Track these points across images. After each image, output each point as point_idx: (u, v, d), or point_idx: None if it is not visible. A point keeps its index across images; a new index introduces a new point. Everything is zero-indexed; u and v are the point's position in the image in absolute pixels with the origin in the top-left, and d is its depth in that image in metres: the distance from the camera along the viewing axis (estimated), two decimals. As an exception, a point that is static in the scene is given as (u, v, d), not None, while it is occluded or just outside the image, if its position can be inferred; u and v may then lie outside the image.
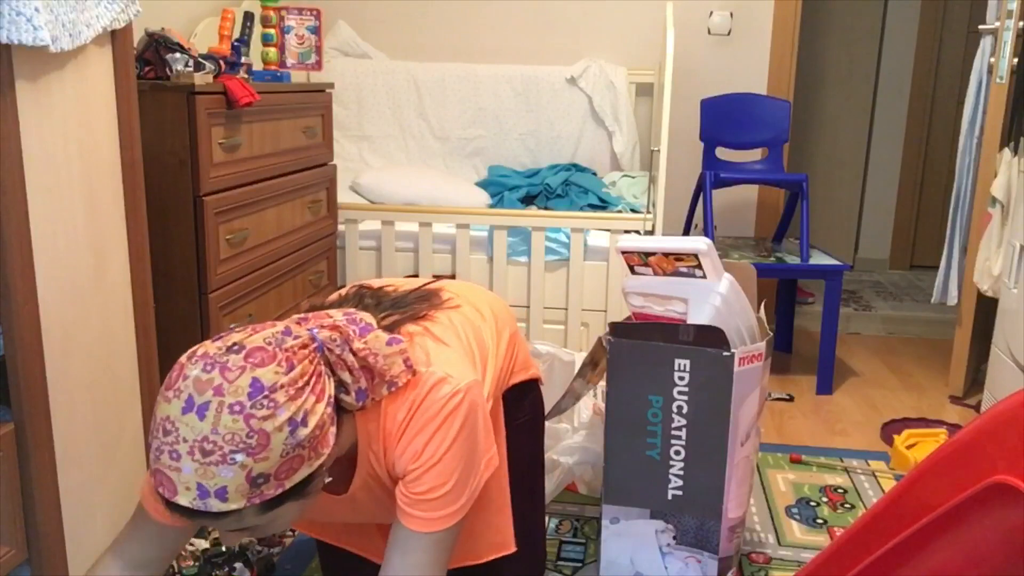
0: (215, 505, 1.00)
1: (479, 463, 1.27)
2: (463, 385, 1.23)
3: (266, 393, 1.01)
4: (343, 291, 1.37)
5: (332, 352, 1.12)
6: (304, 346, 1.08)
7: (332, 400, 1.10)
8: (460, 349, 1.35)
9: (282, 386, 1.03)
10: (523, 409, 1.60)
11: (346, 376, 1.13)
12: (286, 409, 1.02)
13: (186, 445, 0.99)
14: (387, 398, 1.20)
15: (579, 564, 1.84)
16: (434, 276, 2.88)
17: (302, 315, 1.18)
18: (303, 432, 1.04)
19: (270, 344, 1.05)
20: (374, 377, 1.16)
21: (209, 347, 1.06)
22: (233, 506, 1.00)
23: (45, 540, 1.28)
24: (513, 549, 1.48)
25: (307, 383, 1.06)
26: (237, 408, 0.99)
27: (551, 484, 2.07)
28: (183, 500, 1.00)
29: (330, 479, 1.18)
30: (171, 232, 1.96)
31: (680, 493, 1.66)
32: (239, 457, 0.99)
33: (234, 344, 1.05)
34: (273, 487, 1.02)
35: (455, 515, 1.24)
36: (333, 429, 1.10)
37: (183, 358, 1.07)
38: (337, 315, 1.18)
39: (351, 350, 1.14)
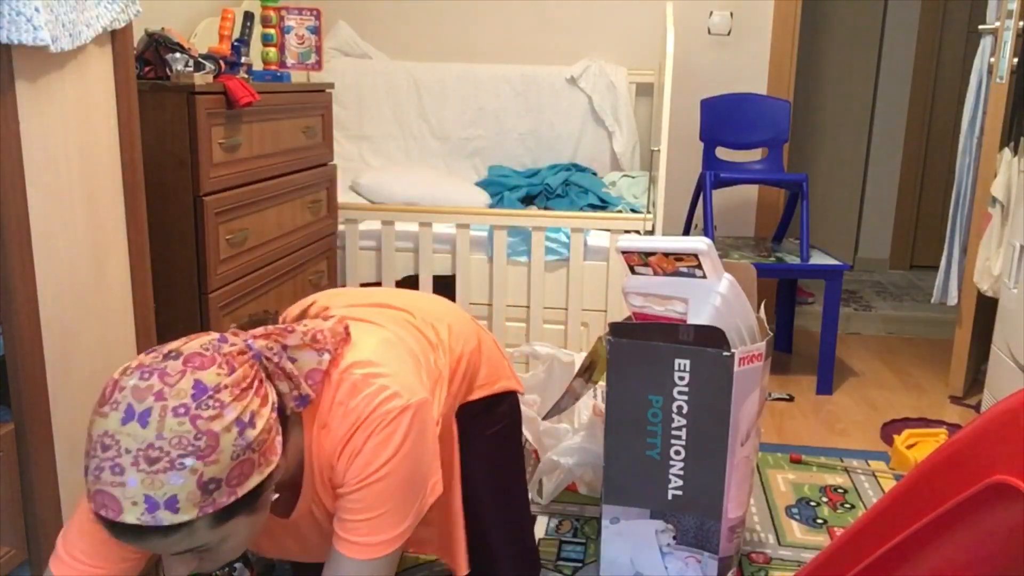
0: (165, 518, 0.93)
1: (424, 485, 1.21)
2: (413, 401, 1.18)
3: (210, 393, 0.97)
4: (306, 307, 1.33)
5: (270, 361, 1.08)
6: (242, 352, 1.05)
7: (275, 406, 1.07)
8: (409, 359, 1.29)
9: (226, 386, 0.98)
10: (495, 418, 1.56)
11: (284, 386, 1.10)
12: (232, 409, 0.98)
13: (129, 456, 0.92)
14: (333, 408, 1.15)
15: (579, 564, 1.84)
16: (433, 276, 2.89)
17: (232, 330, 1.14)
18: (251, 433, 0.99)
19: (207, 350, 1.02)
20: (318, 373, 1.13)
21: (143, 358, 1.01)
22: (185, 517, 0.94)
23: (45, 540, 1.28)
24: (464, 572, 1.44)
25: (250, 385, 1.02)
26: (182, 410, 0.94)
27: (551, 484, 2.07)
28: (130, 517, 0.92)
29: (277, 495, 1.12)
30: (171, 232, 1.96)
31: (680, 493, 1.66)
32: (188, 461, 0.93)
33: (170, 351, 1.01)
34: (225, 494, 0.97)
35: (396, 540, 1.16)
36: (279, 438, 1.06)
37: (115, 374, 1.00)
38: (267, 329, 1.14)
39: (288, 357, 1.11)
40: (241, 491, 0.99)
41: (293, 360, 1.12)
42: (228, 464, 0.97)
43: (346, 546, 1.15)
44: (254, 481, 1.01)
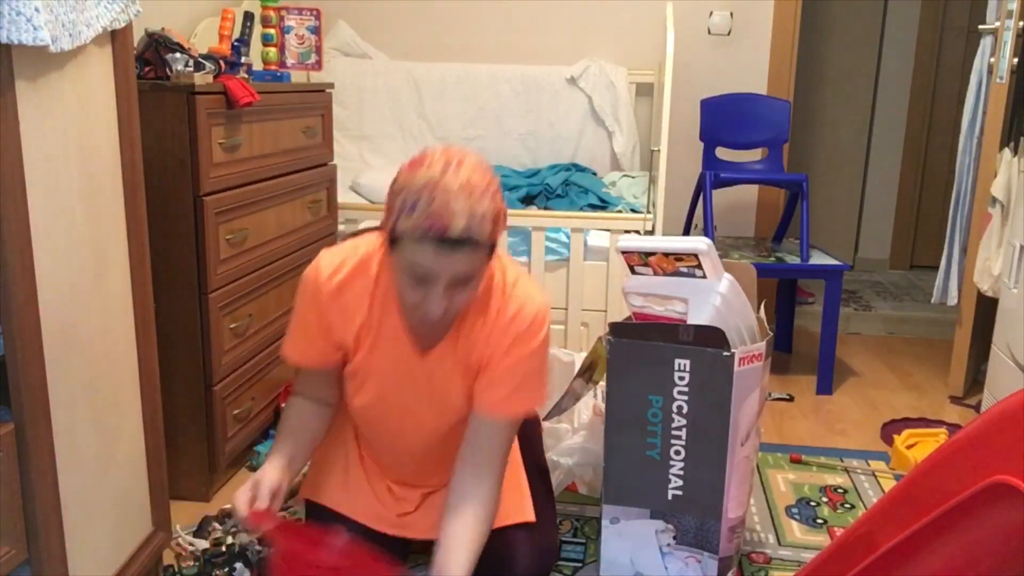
0: (476, 231, 1.26)
1: (546, 380, 1.51)
2: (549, 314, 1.49)
3: (486, 165, 1.33)
4: None
5: None
6: None
7: None
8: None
9: (491, 169, 1.34)
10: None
11: None
12: (496, 178, 1.33)
13: (454, 187, 1.25)
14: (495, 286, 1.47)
15: (579, 564, 1.84)
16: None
17: None
18: (503, 206, 1.33)
19: None
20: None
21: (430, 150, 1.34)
22: (484, 234, 1.27)
23: (45, 540, 1.28)
24: (533, 519, 1.61)
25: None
26: (479, 166, 1.30)
27: (551, 483, 2.07)
28: (457, 227, 1.24)
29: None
30: (171, 232, 1.96)
31: (680, 493, 1.66)
32: (488, 196, 1.28)
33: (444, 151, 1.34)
34: (497, 232, 1.31)
35: (539, 401, 1.51)
36: None
37: (408, 165, 1.32)
38: None
39: None
40: (496, 237, 1.32)
41: None
42: (500, 211, 1.32)
43: (500, 405, 1.45)
44: (496, 238, 1.32)
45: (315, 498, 1.66)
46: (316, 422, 1.58)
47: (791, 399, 2.86)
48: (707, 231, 2.97)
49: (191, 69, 1.96)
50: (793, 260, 3.00)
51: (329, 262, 1.46)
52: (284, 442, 1.51)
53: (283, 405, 1.68)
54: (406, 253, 1.28)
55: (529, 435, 1.80)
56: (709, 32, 3.54)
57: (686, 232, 3.37)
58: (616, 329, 1.66)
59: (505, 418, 1.45)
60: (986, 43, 2.80)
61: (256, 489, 1.40)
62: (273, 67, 2.57)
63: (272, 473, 1.44)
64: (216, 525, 1.93)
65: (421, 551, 1.72)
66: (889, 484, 2.24)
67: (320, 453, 1.68)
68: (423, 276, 1.29)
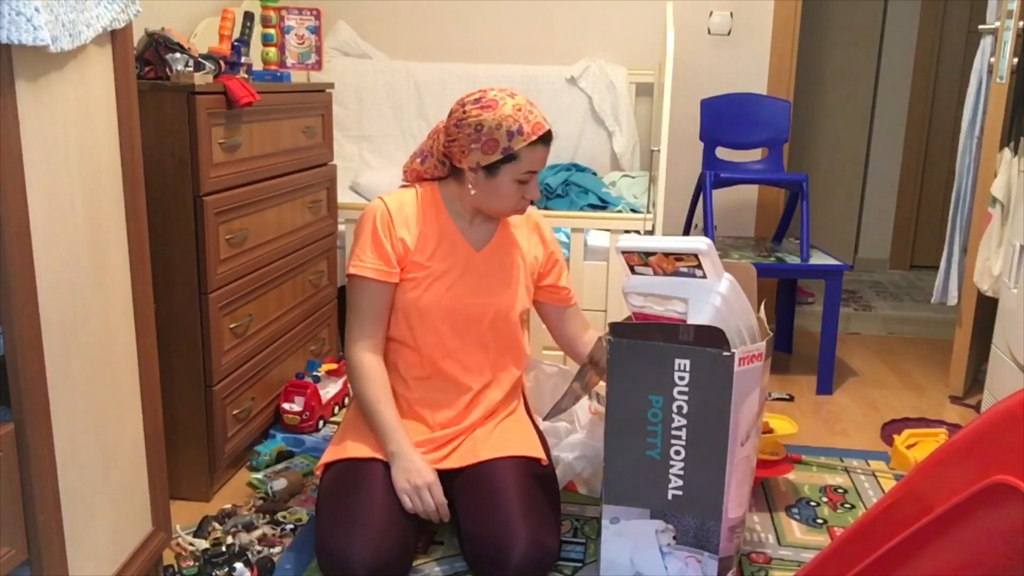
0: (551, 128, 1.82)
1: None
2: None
3: None
4: None
5: None
6: None
7: None
8: None
9: None
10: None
11: None
12: None
13: (528, 104, 1.79)
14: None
15: (579, 564, 1.84)
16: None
17: None
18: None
19: None
20: None
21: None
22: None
23: (45, 540, 1.28)
24: (547, 461, 1.89)
25: None
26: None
27: (551, 484, 2.07)
28: (547, 125, 1.80)
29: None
30: (171, 232, 1.96)
31: (680, 493, 1.66)
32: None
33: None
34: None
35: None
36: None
37: (465, 102, 1.81)
38: None
39: None
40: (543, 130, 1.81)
41: None
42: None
43: (568, 294, 2.08)
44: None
45: (347, 455, 1.82)
46: (388, 378, 1.89)
47: (791, 399, 2.86)
48: (707, 231, 2.97)
49: (191, 69, 1.96)
50: (793, 260, 3.00)
51: (387, 197, 1.90)
52: (392, 410, 1.84)
53: (348, 375, 1.92)
54: (523, 163, 1.78)
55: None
56: (709, 32, 3.54)
57: (686, 232, 3.37)
58: (616, 329, 1.66)
59: (575, 301, 2.10)
60: (986, 43, 2.80)
61: (437, 492, 1.76)
62: (273, 67, 2.56)
63: (429, 468, 1.78)
64: (216, 525, 1.93)
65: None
66: (889, 484, 2.24)
67: (350, 417, 1.97)
68: (532, 173, 1.81)
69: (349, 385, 1.95)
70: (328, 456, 1.86)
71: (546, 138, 1.79)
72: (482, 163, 1.78)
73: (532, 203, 1.98)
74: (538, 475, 1.83)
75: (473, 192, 1.84)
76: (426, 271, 1.87)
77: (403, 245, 1.86)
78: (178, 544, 1.86)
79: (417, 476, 1.75)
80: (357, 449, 1.83)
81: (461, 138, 1.79)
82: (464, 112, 1.78)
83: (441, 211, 1.91)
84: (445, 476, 1.85)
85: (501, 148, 1.76)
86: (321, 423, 2.44)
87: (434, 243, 1.89)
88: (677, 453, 1.64)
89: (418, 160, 1.95)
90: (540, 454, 1.88)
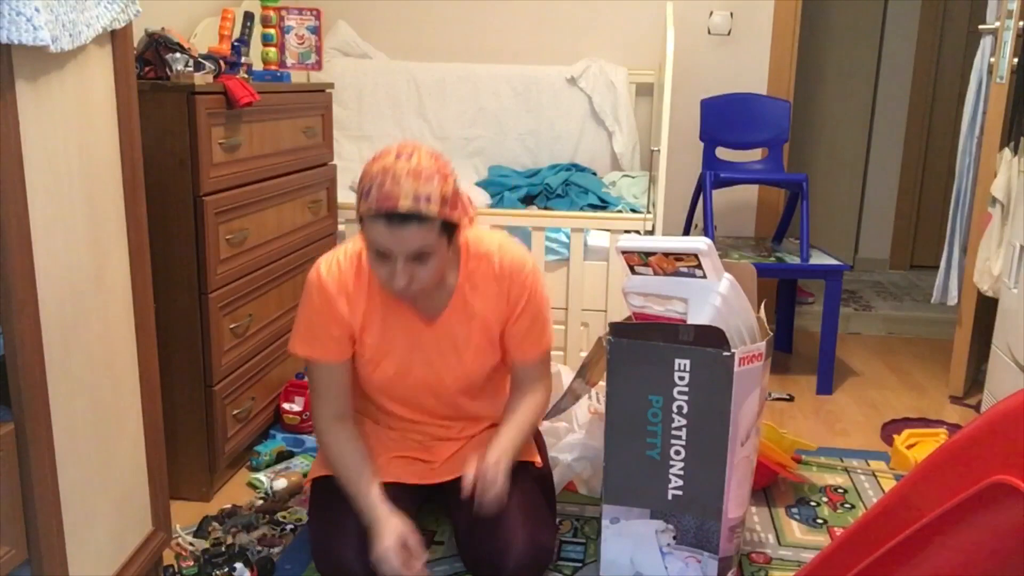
0: (425, 208, 1.46)
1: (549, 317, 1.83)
2: (530, 259, 1.78)
3: (440, 156, 1.54)
4: None
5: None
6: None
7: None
8: None
9: (445, 160, 1.55)
10: None
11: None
12: (449, 167, 1.54)
13: (403, 172, 1.47)
14: (474, 248, 1.71)
15: (579, 564, 1.84)
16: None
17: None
18: (458, 185, 1.55)
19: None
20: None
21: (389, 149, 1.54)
22: (433, 211, 1.47)
23: (45, 540, 1.28)
24: (541, 463, 1.83)
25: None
26: (430, 155, 1.52)
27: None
28: (404, 204, 1.45)
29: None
30: (171, 232, 1.96)
31: (680, 493, 1.66)
32: (436, 178, 1.49)
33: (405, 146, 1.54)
34: (449, 209, 1.51)
35: (549, 345, 1.81)
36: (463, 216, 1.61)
37: (373, 159, 1.53)
38: None
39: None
40: (455, 215, 1.53)
41: None
42: (451, 192, 1.52)
43: (530, 346, 1.77)
44: (456, 216, 1.54)
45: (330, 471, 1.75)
46: (360, 443, 1.73)
47: (791, 399, 2.86)
48: (707, 231, 2.97)
49: (191, 69, 1.96)
50: (793, 260, 3.00)
51: (327, 261, 1.69)
52: (364, 482, 1.65)
53: (319, 442, 1.79)
54: (368, 232, 1.51)
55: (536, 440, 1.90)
56: (709, 32, 3.54)
57: (686, 232, 3.37)
58: (616, 329, 1.66)
59: (538, 356, 1.79)
60: (986, 43, 2.80)
61: (406, 545, 1.56)
62: (273, 67, 2.57)
63: (400, 522, 1.59)
64: (216, 525, 1.93)
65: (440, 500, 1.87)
66: (889, 484, 2.24)
67: None
68: (383, 252, 1.50)
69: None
70: (316, 471, 1.81)
71: (391, 217, 1.46)
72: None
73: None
74: (533, 476, 1.81)
75: None
76: (372, 350, 1.71)
77: (344, 323, 1.67)
78: (178, 544, 1.86)
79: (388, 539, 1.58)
80: None
81: None
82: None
83: None
84: (437, 485, 1.82)
85: (357, 206, 1.53)
86: (321, 423, 2.44)
87: (380, 316, 1.69)
88: (677, 453, 1.64)
89: None
90: (534, 456, 1.85)
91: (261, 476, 2.16)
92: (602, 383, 1.75)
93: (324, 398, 1.72)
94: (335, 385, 1.72)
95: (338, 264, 1.68)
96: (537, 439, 1.96)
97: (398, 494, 1.70)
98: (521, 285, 1.71)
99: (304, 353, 1.70)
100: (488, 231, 1.79)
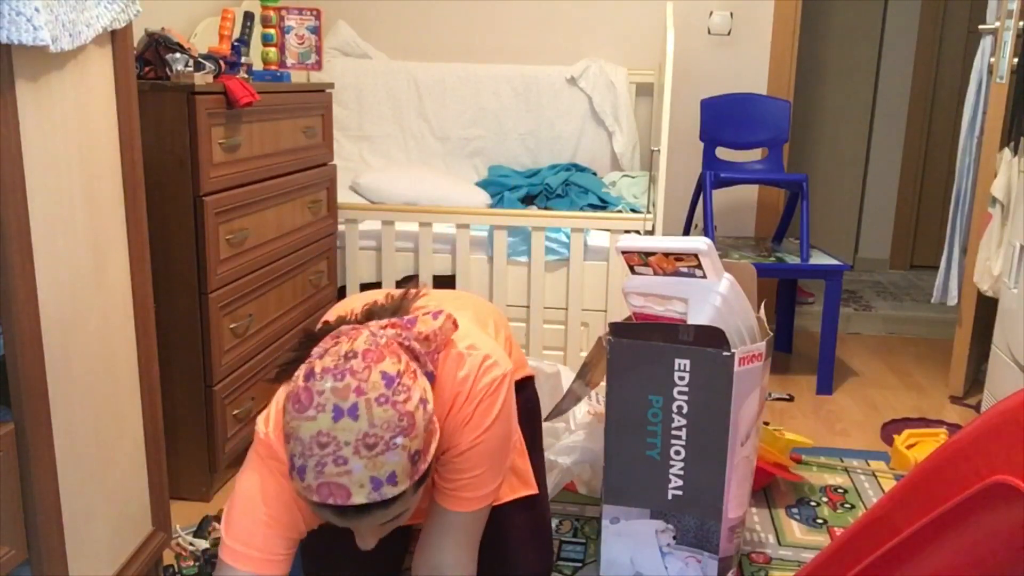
0: (388, 492, 1.09)
1: (512, 443, 1.40)
2: (508, 369, 1.35)
3: (397, 381, 1.12)
4: (343, 314, 1.33)
5: (409, 348, 1.21)
6: (393, 341, 1.17)
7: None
8: (491, 336, 1.47)
9: (402, 373, 1.13)
10: (520, 402, 1.63)
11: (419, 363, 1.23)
12: (415, 390, 1.13)
13: (349, 448, 1.06)
14: (436, 383, 1.29)
15: (579, 564, 1.84)
16: (433, 276, 2.89)
17: (349, 327, 1.21)
18: (430, 407, 1.16)
19: (372, 345, 1.14)
20: (434, 353, 1.27)
21: (322, 362, 1.12)
22: (402, 488, 1.10)
23: (45, 540, 1.28)
24: (535, 490, 1.61)
25: (414, 369, 1.17)
26: (383, 399, 1.09)
27: (550, 483, 2.07)
28: (359, 498, 1.07)
29: None
30: (171, 232, 1.96)
31: (680, 493, 1.66)
32: (399, 440, 1.09)
33: (346, 353, 1.13)
34: (423, 462, 1.13)
35: (495, 492, 1.38)
36: None
37: (300, 381, 1.12)
38: (374, 325, 1.22)
39: (415, 339, 1.21)
40: (430, 457, 1.15)
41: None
42: (422, 436, 1.13)
43: (453, 501, 1.35)
44: (433, 446, 1.17)
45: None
46: None
47: (791, 399, 2.86)
48: (707, 231, 2.97)
49: (191, 69, 1.96)
50: (793, 260, 3.00)
51: (268, 417, 1.32)
52: None
53: None
54: (317, 514, 1.15)
55: (531, 417, 1.74)
56: (709, 32, 3.54)
57: (686, 232, 3.37)
58: (616, 329, 1.66)
59: (468, 509, 1.37)
60: (986, 43, 2.80)
61: None
62: (273, 67, 2.57)
63: None
64: (216, 525, 1.93)
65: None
66: (889, 484, 2.24)
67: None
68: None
69: None
70: None
71: (348, 509, 1.10)
72: None
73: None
74: (528, 505, 1.64)
75: None
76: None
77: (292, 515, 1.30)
78: (178, 544, 1.86)
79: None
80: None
81: None
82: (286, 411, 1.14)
83: None
84: None
85: (288, 473, 1.17)
86: (321, 423, 2.44)
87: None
88: (677, 453, 1.64)
89: None
90: (526, 489, 1.63)
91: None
92: (602, 383, 1.75)
93: None
94: None
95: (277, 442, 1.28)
96: (533, 457, 1.71)
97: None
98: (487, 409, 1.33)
99: (229, 560, 1.26)
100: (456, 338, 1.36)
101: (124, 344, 1.53)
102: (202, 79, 1.95)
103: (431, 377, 1.24)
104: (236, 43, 2.25)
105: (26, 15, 1.12)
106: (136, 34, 1.60)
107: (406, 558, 1.75)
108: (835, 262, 2.94)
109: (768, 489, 2.18)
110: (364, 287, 2.91)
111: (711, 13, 3.52)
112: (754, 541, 1.95)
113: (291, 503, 1.28)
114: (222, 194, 2.03)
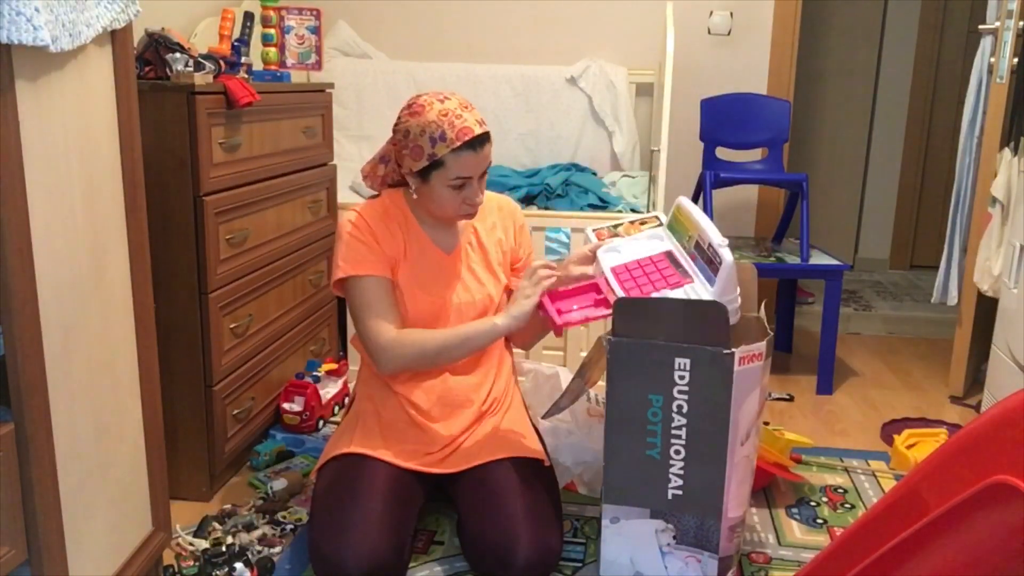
0: (486, 127, 1.77)
1: None
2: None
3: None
4: None
5: None
6: None
7: None
8: None
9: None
10: None
11: None
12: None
13: (460, 107, 1.75)
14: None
15: (579, 564, 1.84)
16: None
17: None
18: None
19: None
20: None
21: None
22: (487, 128, 1.77)
23: (45, 540, 1.28)
24: (548, 461, 1.89)
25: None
26: (451, 93, 1.80)
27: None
28: (479, 129, 1.74)
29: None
30: (171, 232, 1.96)
31: (680, 493, 1.66)
32: (472, 106, 1.80)
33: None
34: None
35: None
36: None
37: (405, 109, 1.79)
38: None
39: None
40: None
41: None
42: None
43: None
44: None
45: (345, 450, 1.83)
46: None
47: (791, 399, 2.86)
48: (707, 231, 2.96)
49: (191, 69, 1.96)
50: (793, 260, 3.00)
51: (358, 210, 1.86)
52: (468, 327, 1.83)
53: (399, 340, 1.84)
54: (451, 170, 1.73)
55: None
56: (709, 32, 3.54)
57: (686, 232, 3.36)
58: (616, 329, 1.66)
59: None
60: (986, 43, 2.80)
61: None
62: (273, 67, 2.56)
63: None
64: (216, 525, 1.93)
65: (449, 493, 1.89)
66: (889, 484, 2.24)
67: (350, 416, 1.97)
68: (462, 179, 1.75)
69: (394, 364, 1.82)
70: (326, 455, 1.87)
71: (475, 143, 1.72)
72: (413, 169, 1.76)
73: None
74: (539, 474, 1.83)
75: (415, 197, 1.84)
76: (406, 280, 1.85)
77: (387, 250, 1.84)
78: (178, 544, 1.86)
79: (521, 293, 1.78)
80: (356, 447, 1.83)
81: (398, 144, 1.79)
82: (399, 118, 1.78)
83: (408, 218, 1.88)
84: (445, 479, 1.85)
85: (426, 155, 1.72)
86: (321, 423, 2.44)
87: (405, 251, 1.86)
88: (677, 453, 1.64)
89: (380, 165, 1.92)
90: (540, 454, 1.88)
91: (261, 476, 2.16)
92: (601, 383, 1.75)
93: (381, 315, 1.79)
94: (388, 296, 1.82)
95: (370, 210, 1.86)
96: (540, 437, 1.98)
97: (408, 482, 1.79)
98: (516, 213, 2.00)
99: (355, 271, 1.79)
100: None
101: (124, 344, 1.53)
102: (202, 79, 1.95)
103: None
104: (236, 43, 2.25)
105: (26, 15, 1.12)
106: (136, 34, 1.60)
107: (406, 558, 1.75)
108: (835, 262, 2.94)
109: (768, 489, 2.18)
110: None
111: (711, 13, 3.52)
112: (754, 541, 1.95)
113: (382, 241, 1.84)
114: (222, 194, 2.03)
